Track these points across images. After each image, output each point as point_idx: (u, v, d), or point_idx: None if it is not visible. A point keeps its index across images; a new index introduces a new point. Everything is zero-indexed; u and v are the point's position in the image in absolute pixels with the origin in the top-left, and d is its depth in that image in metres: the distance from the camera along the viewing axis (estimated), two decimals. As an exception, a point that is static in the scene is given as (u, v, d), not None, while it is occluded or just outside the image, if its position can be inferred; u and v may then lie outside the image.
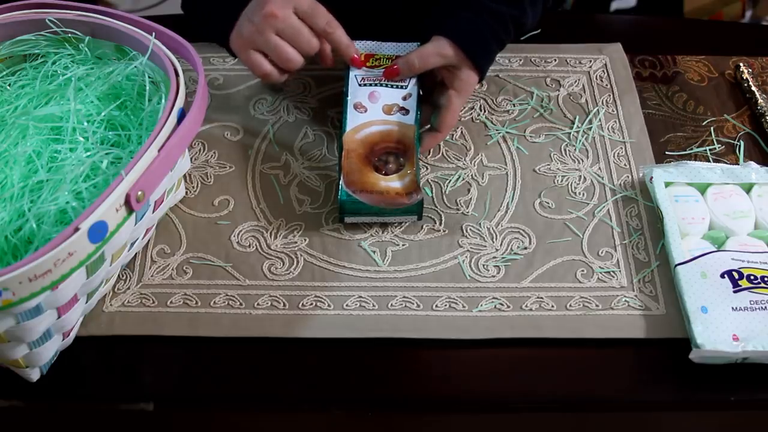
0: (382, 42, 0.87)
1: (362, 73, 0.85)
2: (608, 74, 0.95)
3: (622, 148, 0.88)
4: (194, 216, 0.82)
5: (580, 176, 0.85)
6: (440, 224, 0.81)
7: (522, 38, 0.98)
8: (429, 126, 0.85)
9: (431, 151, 0.87)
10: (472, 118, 0.91)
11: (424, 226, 0.81)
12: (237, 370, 0.71)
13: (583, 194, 0.84)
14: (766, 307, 0.71)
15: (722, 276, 0.73)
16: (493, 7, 0.83)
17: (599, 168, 0.86)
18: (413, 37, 0.86)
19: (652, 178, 0.82)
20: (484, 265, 0.78)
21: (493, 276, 0.77)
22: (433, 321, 0.74)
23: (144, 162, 0.65)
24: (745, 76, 0.94)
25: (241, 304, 0.75)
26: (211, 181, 0.85)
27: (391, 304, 0.75)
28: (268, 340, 0.73)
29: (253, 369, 0.71)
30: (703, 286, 0.73)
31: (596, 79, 0.95)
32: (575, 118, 0.91)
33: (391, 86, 0.84)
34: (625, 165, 0.86)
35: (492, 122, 0.90)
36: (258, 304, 0.75)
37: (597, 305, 0.75)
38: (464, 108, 0.91)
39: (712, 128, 0.91)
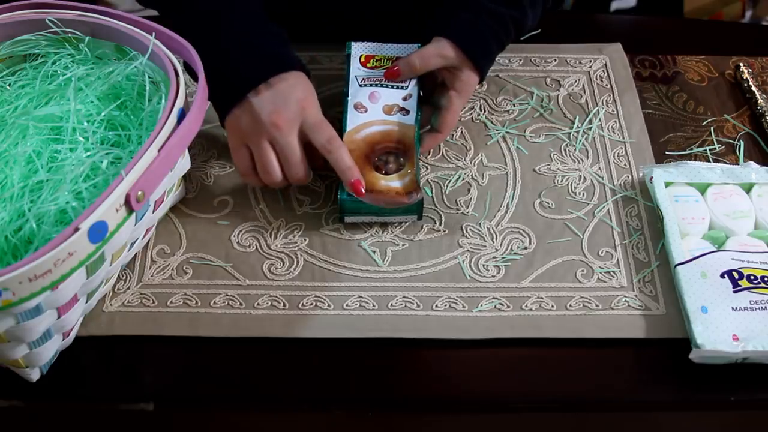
0: (383, 43, 0.87)
1: (363, 73, 0.85)
2: (608, 74, 0.95)
3: (622, 148, 0.88)
4: (194, 216, 0.82)
5: (580, 176, 0.85)
6: (440, 224, 0.81)
7: (522, 38, 0.98)
8: (429, 127, 0.85)
9: (431, 151, 0.87)
10: (472, 118, 0.91)
11: (424, 226, 0.81)
12: (237, 370, 0.71)
13: (583, 194, 0.84)
14: (766, 307, 0.71)
15: (722, 276, 0.73)
16: (493, 8, 0.83)
17: (599, 168, 0.86)
18: (414, 38, 0.86)
19: (652, 178, 0.82)
20: (484, 265, 0.78)
21: (493, 276, 0.77)
22: (433, 321, 0.74)
23: (144, 162, 0.65)
24: (745, 76, 0.94)
25: (241, 304, 0.75)
26: (211, 181, 0.85)
27: (391, 304, 0.75)
28: (268, 340, 0.73)
29: (253, 369, 0.71)
30: (703, 286, 0.73)
31: (596, 79, 0.95)
32: (575, 118, 0.91)
33: (392, 87, 0.84)
34: (625, 165, 0.86)
35: (492, 122, 0.90)
36: (258, 304, 0.75)
37: (597, 305, 0.75)
38: (464, 108, 0.91)
39: (712, 128, 0.91)
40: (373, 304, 0.75)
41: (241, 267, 0.78)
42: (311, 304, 0.75)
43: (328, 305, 0.75)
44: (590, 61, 0.97)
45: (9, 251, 0.66)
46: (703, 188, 0.82)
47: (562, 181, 0.85)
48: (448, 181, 0.85)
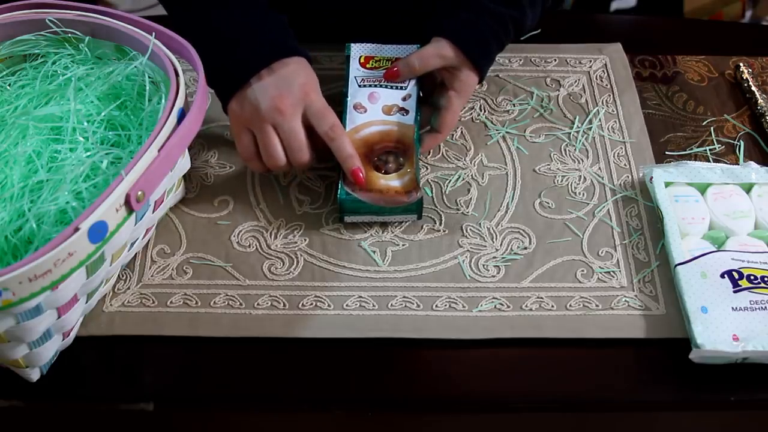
0: (382, 44, 0.87)
1: (362, 74, 0.85)
2: (608, 74, 0.95)
3: (622, 148, 0.88)
4: (194, 216, 0.82)
5: (580, 176, 0.85)
6: (440, 224, 0.81)
7: (522, 38, 0.98)
8: (429, 127, 0.85)
9: (431, 151, 0.87)
10: (472, 118, 0.91)
11: (424, 226, 0.81)
12: (237, 370, 0.71)
13: (583, 194, 0.84)
14: (766, 307, 0.71)
15: (722, 276, 0.73)
16: (492, 8, 0.83)
17: (599, 168, 0.86)
18: (414, 33, 0.86)
19: (652, 178, 0.82)
20: (484, 265, 0.78)
21: (493, 276, 0.77)
22: (433, 321, 0.74)
23: (144, 162, 0.65)
24: (745, 76, 0.94)
25: (241, 304, 0.75)
26: (211, 181, 0.85)
27: (391, 304, 0.75)
28: (268, 340, 0.73)
29: (253, 369, 0.71)
30: (703, 286, 0.73)
31: (596, 79, 0.95)
32: (575, 118, 0.91)
33: (391, 87, 0.84)
34: (625, 165, 0.86)
35: (492, 122, 0.90)
36: (258, 304, 0.75)
37: (597, 305, 0.75)
38: (464, 108, 0.91)
39: (712, 128, 0.91)
40: (373, 304, 0.75)
41: (241, 267, 0.78)
42: (311, 304, 0.75)
43: (328, 305, 0.75)
44: (590, 61, 0.97)
45: (9, 251, 0.66)
46: (703, 188, 0.82)
47: (562, 181, 0.85)
48: (448, 181, 0.85)
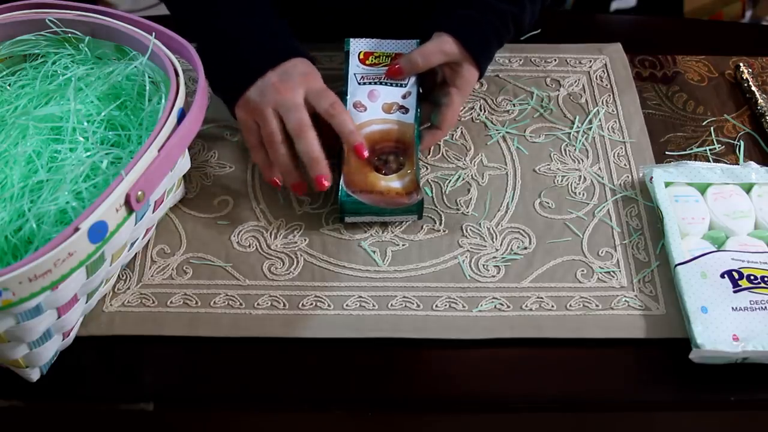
0: (382, 39, 0.87)
1: (361, 70, 0.85)
2: (608, 74, 0.95)
3: (622, 148, 0.88)
4: (194, 216, 0.82)
5: (580, 176, 0.85)
6: (440, 224, 0.81)
7: (522, 38, 0.98)
8: (429, 124, 0.85)
9: (431, 150, 0.87)
10: (472, 118, 0.91)
11: (424, 226, 0.81)
12: (237, 370, 0.71)
13: (583, 194, 0.84)
14: (766, 307, 0.71)
15: (722, 276, 0.73)
16: (494, 5, 0.82)
17: (599, 168, 0.86)
18: (414, 28, 0.86)
19: (652, 178, 0.82)
20: (484, 265, 0.78)
21: (493, 276, 0.77)
22: (433, 321, 0.74)
23: (144, 162, 0.65)
24: (745, 76, 0.94)
25: (241, 304, 0.75)
26: (211, 181, 0.85)
27: (391, 304, 0.75)
28: (268, 340, 0.73)
29: (253, 369, 0.71)
30: (703, 286, 0.73)
31: (596, 79, 0.95)
32: (575, 118, 0.91)
33: (391, 84, 0.84)
34: (625, 165, 0.86)
35: (492, 122, 0.90)
36: (258, 304, 0.75)
37: (597, 305, 0.75)
38: (464, 108, 0.91)
39: (712, 128, 0.91)
40: (373, 304, 0.75)
41: (241, 267, 0.78)
42: (311, 304, 0.75)
43: (328, 305, 0.75)
44: (590, 61, 0.97)
45: (9, 251, 0.66)
46: (703, 188, 0.82)
47: (562, 181, 0.85)
48: (448, 181, 0.85)
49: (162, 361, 0.72)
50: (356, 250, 0.79)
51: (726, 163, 0.87)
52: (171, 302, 0.75)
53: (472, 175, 0.85)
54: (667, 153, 0.88)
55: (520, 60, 0.97)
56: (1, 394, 0.69)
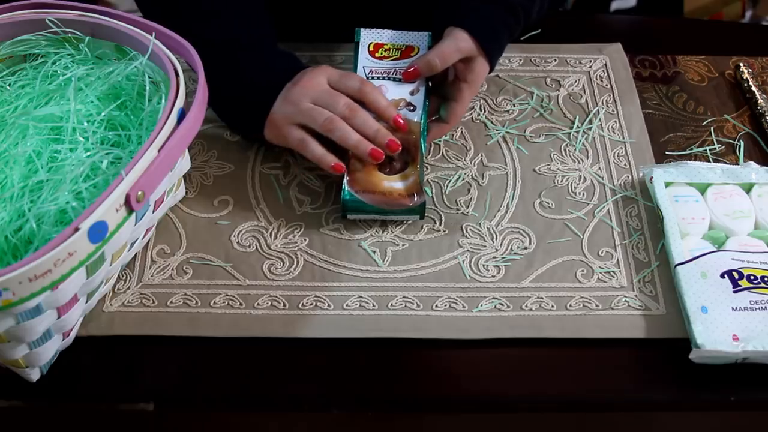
0: (394, 30, 0.86)
1: (371, 64, 0.84)
2: (608, 74, 0.95)
3: (622, 148, 0.88)
4: (194, 216, 0.82)
5: (580, 176, 0.85)
6: (440, 224, 0.81)
7: (522, 38, 0.98)
8: (436, 117, 0.85)
9: (431, 150, 0.87)
10: (472, 118, 0.91)
11: (424, 226, 0.81)
12: (237, 370, 0.71)
13: (583, 194, 0.84)
14: (766, 307, 0.71)
15: (722, 276, 0.73)
16: None
17: (599, 168, 0.86)
18: (417, 19, 0.85)
19: (652, 178, 0.82)
20: (484, 265, 0.78)
21: (493, 276, 0.77)
22: (433, 321, 0.74)
23: (144, 162, 0.65)
24: (745, 76, 0.94)
25: (241, 304, 0.75)
26: (211, 181, 0.84)
27: (391, 304, 0.75)
28: (268, 340, 0.73)
29: (253, 369, 0.71)
30: (703, 286, 0.73)
31: (596, 79, 0.95)
32: (575, 118, 0.91)
33: (399, 80, 0.83)
34: (625, 165, 0.86)
35: (492, 122, 0.90)
36: (258, 304, 0.75)
37: (597, 305, 0.75)
38: (464, 108, 0.91)
39: (712, 128, 0.91)
40: (373, 304, 0.75)
41: (241, 267, 0.78)
42: (311, 304, 0.75)
43: (328, 305, 0.75)
44: (590, 61, 0.97)
45: (9, 251, 0.66)
46: (703, 188, 0.82)
47: (562, 181, 0.85)
48: (448, 181, 0.85)
49: (162, 361, 0.72)
50: (356, 250, 0.79)
51: (726, 163, 0.87)
52: (171, 302, 0.75)
53: (472, 175, 0.85)
54: (667, 153, 0.88)
55: (520, 60, 0.97)
56: (1, 394, 0.69)
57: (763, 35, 1.09)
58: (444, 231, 0.81)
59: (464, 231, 0.81)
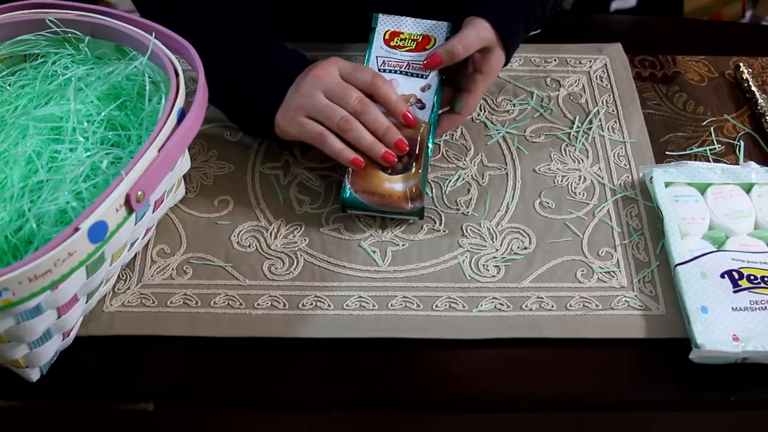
0: (413, 18, 0.85)
1: (384, 54, 0.83)
2: (608, 74, 0.95)
3: (622, 148, 0.88)
4: (194, 216, 0.82)
5: (580, 176, 0.85)
6: (440, 224, 0.81)
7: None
8: (448, 108, 0.84)
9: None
10: (472, 118, 0.91)
11: (424, 226, 0.81)
12: (237, 370, 0.71)
13: (583, 194, 0.84)
14: (766, 307, 0.71)
15: (722, 276, 0.73)
16: None
17: (599, 168, 0.86)
18: (430, 14, 0.85)
19: (652, 178, 0.82)
20: (484, 265, 0.78)
21: (493, 276, 0.77)
22: (433, 321, 0.74)
23: (144, 162, 0.65)
24: (745, 76, 0.94)
25: (241, 304, 0.75)
26: (211, 181, 0.84)
27: (391, 304, 0.75)
28: (268, 340, 0.73)
29: (253, 369, 0.71)
30: (703, 286, 0.73)
31: (596, 79, 0.95)
32: (575, 118, 0.91)
33: (411, 75, 0.82)
34: (625, 165, 0.86)
35: (492, 122, 0.90)
36: (258, 304, 0.75)
37: (597, 305, 0.75)
38: (464, 108, 0.91)
39: (712, 128, 0.91)
40: (373, 304, 0.75)
41: (241, 267, 0.78)
42: (311, 304, 0.75)
43: (328, 305, 0.75)
44: (590, 61, 0.97)
45: (9, 251, 0.66)
46: (703, 188, 0.82)
47: (562, 181, 0.85)
48: (448, 181, 0.85)
49: (162, 361, 0.72)
50: (356, 250, 0.79)
51: (726, 163, 0.87)
52: (171, 302, 0.75)
53: (472, 175, 0.85)
54: (667, 153, 0.88)
55: (520, 60, 0.97)
56: (1, 394, 0.69)
57: (763, 35, 1.09)
58: (444, 231, 0.81)
59: (464, 231, 0.81)
